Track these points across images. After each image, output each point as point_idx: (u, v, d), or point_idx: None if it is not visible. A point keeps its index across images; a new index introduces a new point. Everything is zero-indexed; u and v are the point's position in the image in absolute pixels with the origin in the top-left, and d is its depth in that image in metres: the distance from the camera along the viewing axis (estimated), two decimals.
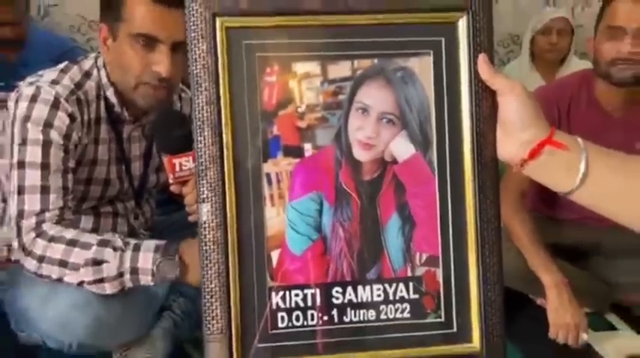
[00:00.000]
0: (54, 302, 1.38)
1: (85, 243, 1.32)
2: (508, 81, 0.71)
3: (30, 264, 1.34)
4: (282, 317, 0.72)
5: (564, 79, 2.11)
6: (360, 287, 0.73)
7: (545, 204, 1.92)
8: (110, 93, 1.49)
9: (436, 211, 0.73)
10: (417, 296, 0.73)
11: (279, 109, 0.72)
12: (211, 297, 0.70)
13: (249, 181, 0.71)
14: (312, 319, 0.72)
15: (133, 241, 1.35)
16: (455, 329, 0.74)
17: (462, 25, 0.71)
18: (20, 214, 1.34)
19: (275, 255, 0.72)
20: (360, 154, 0.72)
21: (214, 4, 0.69)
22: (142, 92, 1.42)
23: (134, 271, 1.31)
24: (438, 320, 0.74)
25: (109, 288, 1.32)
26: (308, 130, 0.72)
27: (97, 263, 1.31)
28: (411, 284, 0.73)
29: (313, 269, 0.72)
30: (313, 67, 0.71)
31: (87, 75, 1.48)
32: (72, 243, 1.32)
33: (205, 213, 0.70)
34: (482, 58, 0.71)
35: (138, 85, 1.41)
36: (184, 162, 1.37)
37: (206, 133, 0.70)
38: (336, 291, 0.72)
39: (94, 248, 1.31)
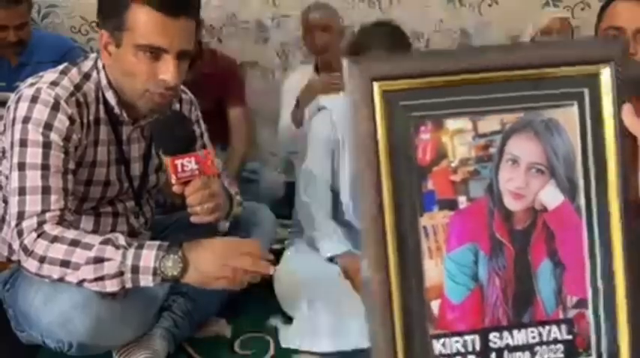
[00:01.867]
0: (55, 302, 1.38)
1: (87, 243, 1.31)
2: None
3: (31, 264, 1.32)
4: None
5: None
6: (515, 331, 0.73)
7: None
8: (109, 95, 1.47)
9: (584, 255, 0.73)
10: (569, 337, 0.74)
11: (434, 165, 0.72)
12: (377, 347, 0.71)
13: (408, 236, 0.71)
14: None
15: (136, 241, 1.35)
16: None
17: (605, 75, 0.71)
18: (21, 215, 1.33)
19: (435, 305, 0.72)
20: (511, 204, 0.72)
21: (372, 70, 0.70)
22: (148, 99, 1.41)
23: (135, 269, 1.30)
24: None
25: (109, 286, 1.31)
26: (461, 184, 0.72)
27: (98, 261, 1.30)
28: (563, 325, 0.74)
29: (471, 317, 0.73)
30: (465, 123, 0.72)
31: (86, 76, 1.46)
32: (74, 243, 1.31)
33: (368, 269, 0.70)
34: (626, 109, 0.71)
35: (144, 93, 1.40)
36: (186, 163, 1.37)
37: (367, 193, 0.70)
38: (494, 336, 0.73)
39: (96, 247, 1.30)
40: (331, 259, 1.90)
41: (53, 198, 1.35)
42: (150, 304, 1.61)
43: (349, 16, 3.12)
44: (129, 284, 1.33)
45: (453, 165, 0.72)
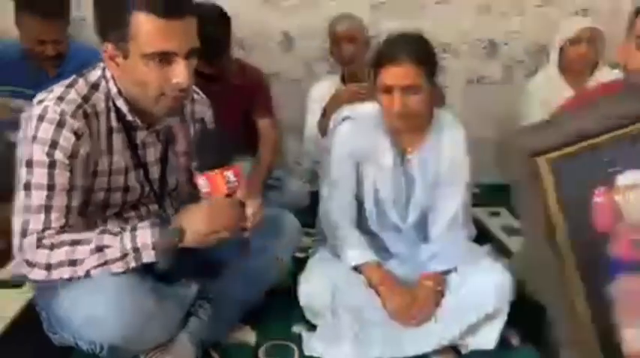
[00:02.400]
0: (86, 303, 1.38)
1: (85, 238, 1.37)
2: None
3: (37, 274, 1.37)
4: None
5: (592, 91, 2.06)
6: None
7: None
8: (120, 103, 1.47)
9: None
10: None
11: (612, 227, 0.70)
12: None
13: (600, 307, 0.69)
14: None
15: (129, 226, 1.42)
16: None
17: None
18: (23, 233, 1.37)
19: None
20: None
21: (532, 145, 0.70)
22: (163, 104, 1.42)
23: (136, 250, 1.37)
24: None
25: (114, 269, 1.38)
26: None
27: (99, 249, 1.35)
28: None
29: None
30: (635, 176, 0.69)
31: (94, 87, 1.46)
32: (74, 243, 1.36)
33: (565, 344, 0.68)
34: None
35: (159, 97, 1.40)
36: (230, 176, 1.42)
37: (553, 274, 0.69)
38: None
39: (95, 238, 1.35)
40: (355, 268, 1.85)
41: (54, 216, 1.38)
42: (178, 307, 1.62)
43: (375, 27, 3.08)
44: (133, 264, 1.38)
45: (630, 222, 0.69)
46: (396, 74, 1.80)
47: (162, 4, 1.32)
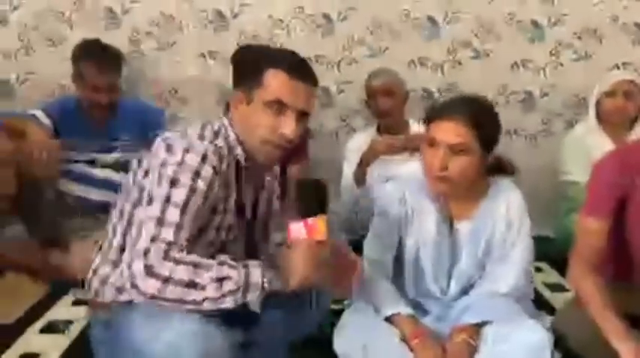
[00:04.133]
0: (163, 334, 1.34)
1: (206, 264, 1.36)
2: None
3: (151, 285, 1.33)
4: None
5: (632, 144, 1.96)
6: None
7: (628, 271, 1.78)
8: (239, 150, 1.56)
9: None
10: None
11: None
12: None
13: None
14: None
15: (240, 261, 1.40)
16: None
17: None
18: (153, 239, 1.37)
19: None
20: None
21: None
22: (267, 151, 1.54)
23: (247, 286, 1.36)
24: None
25: (226, 303, 1.36)
26: None
27: (220, 280, 1.35)
28: None
29: None
30: None
31: (216, 134, 1.58)
32: (196, 265, 1.36)
33: None
34: None
35: (265, 144, 1.52)
36: (326, 222, 1.46)
37: None
38: None
39: (215, 267, 1.36)
40: (388, 319, 1.79)
41: (183, 235, 1.41)
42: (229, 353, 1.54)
43: (411, 81, 3.08)
44: (240, 301, 1.37)
45: None
46: (445, 129, 1.70)
47: (296, 67, 1.52)
